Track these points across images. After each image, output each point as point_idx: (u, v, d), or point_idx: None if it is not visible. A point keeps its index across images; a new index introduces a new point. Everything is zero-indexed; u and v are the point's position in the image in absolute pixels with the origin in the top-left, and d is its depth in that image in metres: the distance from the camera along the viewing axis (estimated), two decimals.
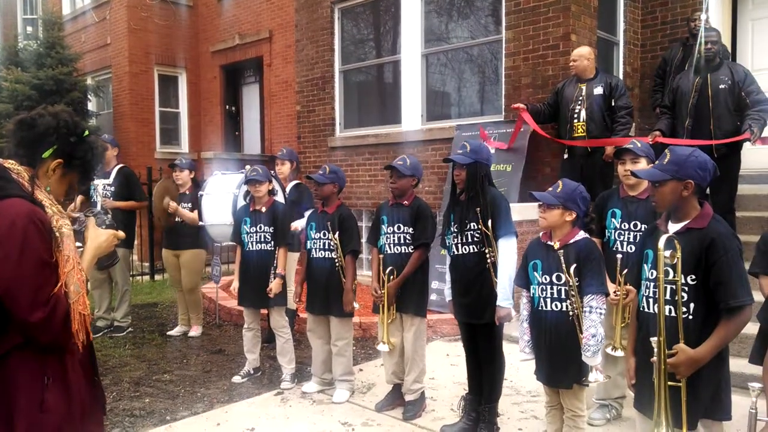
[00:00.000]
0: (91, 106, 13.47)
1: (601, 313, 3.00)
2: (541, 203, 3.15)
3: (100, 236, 2.10)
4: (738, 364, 4.06)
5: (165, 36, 12.93)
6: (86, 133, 2.07)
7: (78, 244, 2.01)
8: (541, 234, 3.31)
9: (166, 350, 5.94)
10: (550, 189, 3.15)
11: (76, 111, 11.90)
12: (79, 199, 6.60)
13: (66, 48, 12.62)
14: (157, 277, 9.72)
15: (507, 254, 3.62)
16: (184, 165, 6.33)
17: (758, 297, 3.74)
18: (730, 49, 7.08)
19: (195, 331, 6.46)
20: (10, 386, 1.78)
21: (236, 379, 5.01)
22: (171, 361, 5.59)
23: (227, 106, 13.36)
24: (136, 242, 8.07)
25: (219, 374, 5.19)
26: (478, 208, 3.67)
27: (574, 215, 3.13)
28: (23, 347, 1.79)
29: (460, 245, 3.78)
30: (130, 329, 6.61)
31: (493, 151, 6.45)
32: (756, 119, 5.36)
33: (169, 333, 6.49)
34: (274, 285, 4.84)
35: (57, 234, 1.87)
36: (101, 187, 6.42)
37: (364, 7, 9.16)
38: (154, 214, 6.14)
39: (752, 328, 4.48)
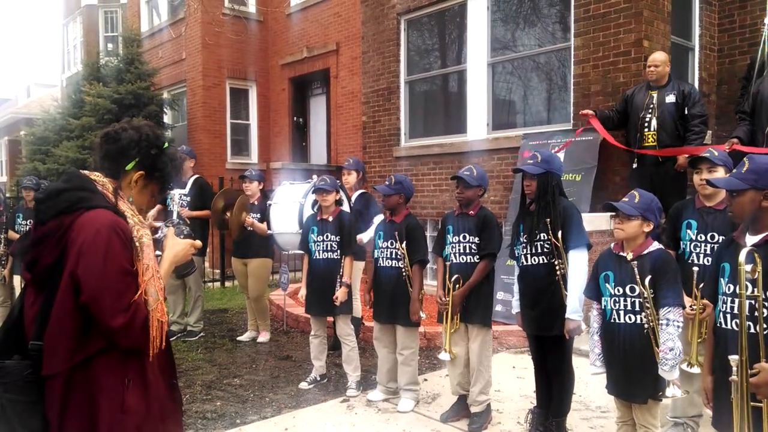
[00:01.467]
0: (167, 118, 14.05)
1: (678, 326, 2.91)
2: (616, 214, 3.08)
3: (177, 246, 2.18)
4: None
5: (236, 50, 13.36)
6: (166, 145, 2.16)
7: (157, 252, 2.10)
8: (612, 245, 3.23)
9: (236, 355, 6.11)
10: (626, 199, 3.08)
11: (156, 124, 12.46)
12: (156, 208, 6.91)
13: (144, 64, 13.24)
14: (228, 284, 10.00)
15: (578, 266, 3.56)
16: (254, 176, 6.53)
17: None
18: None
19: (263, 337, 6.61)
20: (94, 387, 1.87)
21: (303, 385, 5.10)
22: (241, 365, 5.74)
23: (295, 118, 13.67)
24: (207, 250, 8.35)
25: (287, 380, 5.30)
26: (548, 219, 3.62)
27: (651, 226, 3.05)
28: (106, 351, 1.89)
29: (529, 256, 3.73)
30: (202, 334, 6.83)
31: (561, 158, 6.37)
32: None
33: (238, 338, 6.67)
34: (339, 293, 4.91)
35: (137, 244, 1.96)
36: (177, 196, 6.68)
37: (430, 18, 9.20)
38: (229, 227, 6.33)
39: None
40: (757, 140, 5.51)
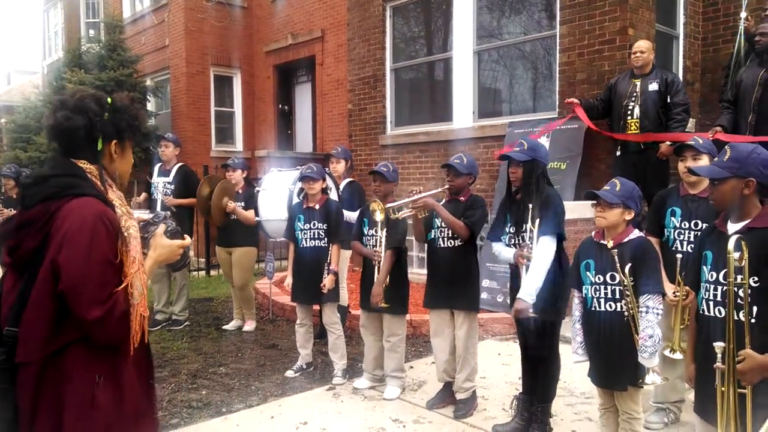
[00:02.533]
0: (150, 106, 13.91)
1: (658, 314, 2.93)
2: (598, 202, 3.09)
3: (164, 247, 2.09)
4: None
5: (220, 37, 13.22)
6: (110, 101, 2.03)
7: (145, 251, 2.04)
8: (593, 233, 3.25)
9: (221, 344, 6.09)
10: (608, 188, 3.09)
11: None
12: (142, 196, 6.85)
13: (126, 50, 13.07)
14: (213, 272, 9.96)
15: (542, 252, 3.55)
16: (237, 165, 6.47)
17: None
18: None
19: (249, 326, 6.59)
20: (64, 379, 1.82)
21: (289, 373, 5.10)
22: (226, 354, 5.73)
23: (280, 105, 13.58)
24: (192, 238, 8.30)
25: (272, 368, 5.29)
26: (530, 206, 3.63)
27: (632, 214, 3.07)
28: (79, 343, 1.83)
29: (519, 241, 3.74)
30: (187, 323, 6.80)
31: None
32: None
33: (224, 327, 6.65)
34: (327, 281, 4.90)
35: (125, 234, 1.91)
36: (162, 185, 6.62)
37: (416, 5, 9.16)
38: (211, 212, 6.28)
39: None
40: (740, 128, 5.55)
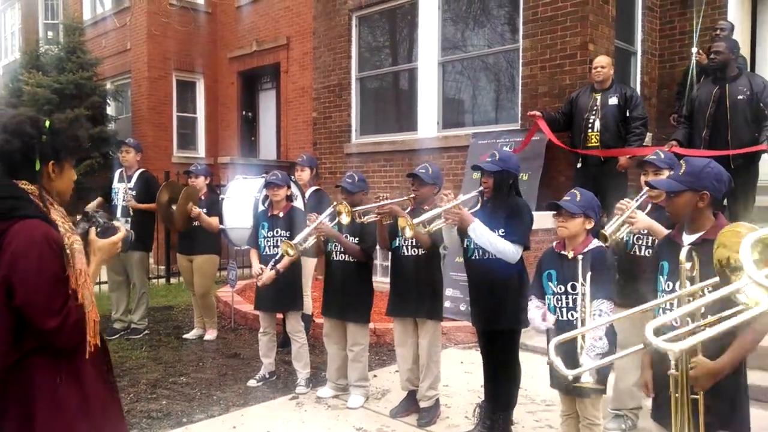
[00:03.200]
0: (110, 110, 13.65)
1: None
2: (558, 212, 3.16)
3: (101, 248, 2.19)
4: (755, 377, 4.04)
5: (183, 42, 13.08)
6: (48, 124, 2.12)
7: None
8: (554, 244, 3.31)
9: (182, 353, 6.00)
10: (568, 198, 3.15)
11: (95, 116, 12.10)
12: (96, 201, 6.70)
13: (86, 53, 12.82)
14: (173, 280, 9.80)
15: (506, 246, 3.61)
16: (200, 171, 6.39)
17: None
18: (749, 61, 7.07)
19: (210, 335, 6.50)
20: (29, 386, 1.95)
21: (252, 383, 5.05)
22: (187, 363, 5.64)
23: (244, 112, 13.48)
24: (152, 246, 8.15)
25: (235, 378, 5.23)
26: (501, 216, 3.68)
27: (593, 223, 3.14)
28: (39, 351, 1.96)
29: (481, 250, 3.78)
30: (146, 331, 6.67)
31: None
32: None
33: (185, 336, 6.54)
34: (264, 276, 4.84)
35: (68, 251, 2.02)
36: (123, 190, 6.50)
37: (382, 15, 9.23)
38: (172, 218, 6.19)
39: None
40: (695, 143, 5.74)
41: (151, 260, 9.40)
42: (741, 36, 6.99)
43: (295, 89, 11.90)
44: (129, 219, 6.48)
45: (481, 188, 3.78)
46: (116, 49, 13.66)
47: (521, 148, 6.71)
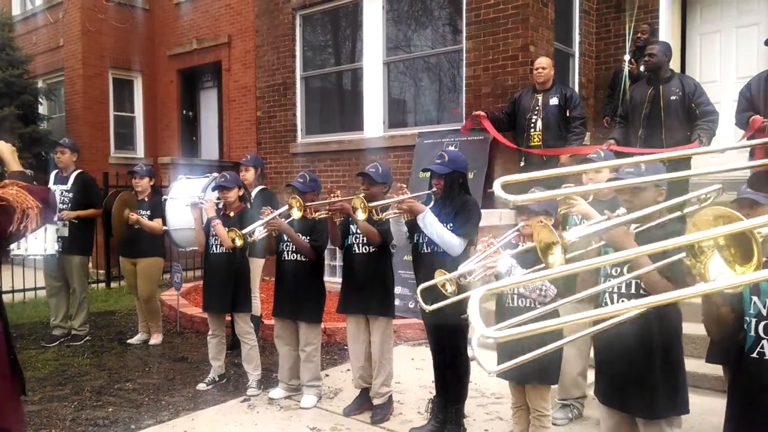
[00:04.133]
0: (43, 109, 13.11)
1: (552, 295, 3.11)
2: (521, 212, 3.23)
3: None
4: (689, 364, 4.24)
5: (120, 39, 12.68)
6: None
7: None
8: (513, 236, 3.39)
9: (126, 359, 5.85)
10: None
11: (26, 115, 11.61)
12: None
13: (16, 50, 12.26)
14: (114, 284, 9.52)
15: (452, 238, 3.66)
16: (144, 172, 6.24)
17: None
18: (679, 62, 7.42)
19: (155, 339, 6.36)
20: None
21: (201, 386, 4.97)
22: (132, 369, 5.50)
23: (184, 111, 13.18)
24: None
25: (183, 382, 5.14)
26: (451, 213, 3.76)
27: (552, 220, 3.25)
28: None
29: (426, 245, 3.84)
30: (88, 338, 6.47)
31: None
32: (705, 129, 5.62)
33: (128, 341, 6.38)
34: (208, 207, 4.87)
35: None
36: (59, 193, 6.28)
37: (325, 15, 9.21)
38: (112, 225, 6.03)
39: (703, 329, 4.70)
40: (632, 142, 5.99)
41: (91, 264, 9.12)
42: (672, 39, 7.32)
43: (238, 88, 11.71)
44: (66, 222, 6.27)
45: (434, 189, 3.85)
46: (48, 46, 13.13)
47: (468, 126, 6.85)
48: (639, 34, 7.13)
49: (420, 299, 2.94)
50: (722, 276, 1.28)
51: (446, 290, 3.11)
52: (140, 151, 13.33)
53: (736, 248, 1.40)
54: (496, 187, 1.48)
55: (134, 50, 12.90)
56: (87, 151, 12.04)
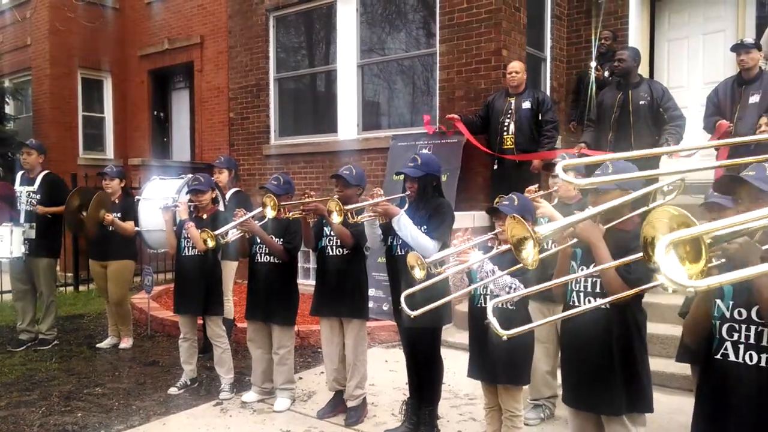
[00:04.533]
0: (9, 109, 12.83)
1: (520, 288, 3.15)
2: (497, 216, 3.25)
3: None
4: (656, 363, 4.32)
5: (89, 38, 12.47)
6: None
7: None
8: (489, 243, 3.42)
9: (96, 363, 5.75)
10: (506, 203, 3.25)
11: None
12: None
13: None
14: (82, 287, 9.36)
15: (426, 240, 3.67)
16: (114, 173, 6.15)
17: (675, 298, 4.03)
18: (648, 68, 7.56)
19: (126, 343, 6.27)
20: None
21: (173, 390, 4.91)
22: (102, 374, 5.42)
23: (155, 112, 13.03)
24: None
25: (154, 386, 5.07)
26: (424, 216, 3.77)
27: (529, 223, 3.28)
28: None
29: (400, 247, 3.85)
30: (56, 342, 6.35)
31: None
32: (673, 134, 5.73)
33: (98, 345, 6.27)
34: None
35: None
36: (26, 194, 6.16)
37: (299, 16, 9.19)
38: (83, 225, 5.93)
39: (672, 330, 4.81)
40: (602, 145, 6.08)
41: (59, 267, 8.96)
42: (641, 45, 7.47)
43: (210, 89, 11.61)
44: (33, 224, 6.16)
45: (407, 192, 3.86)
46: (15, 45, 12.87)
47: (430, 130, 6.89)
48: (602, 41, 7.28)
49: (404, 306, 2.94)
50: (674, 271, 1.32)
51: (415, 276, 3.11)
52: (110, 152, 13.15)
53: (690, 247, 1.46)
54: (559, 169, 1.58)
55: (104, 50, 12.72)
56: (55, 152, 11.82)
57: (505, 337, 2.38)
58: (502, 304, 3.20)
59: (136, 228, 6.00)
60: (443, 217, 3.82)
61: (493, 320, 2.28)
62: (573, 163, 2.19)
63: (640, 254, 1.65)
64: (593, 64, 6.99)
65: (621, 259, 2.25)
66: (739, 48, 5.46)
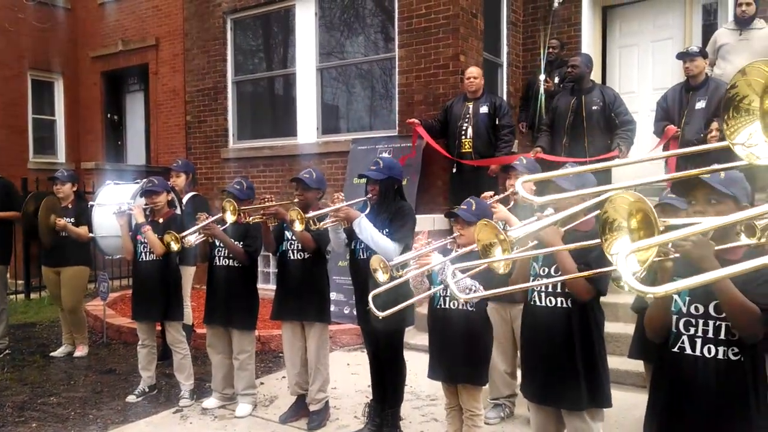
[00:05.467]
0: None
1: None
2: (456, 220, 3.30)
3: None
4: (611, 361, 4.44)
5: (39, 39, 12.14)
6: None
7: None
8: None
9: (50, 372, 5.61)
10: (464, 207, 3.28)
11: None
12: None
13: None
14: (33, 295, 9.10)
15: (387, 243, 3.71)
16: (66, 177, 6.00)
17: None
18: (600, 74, 7.78)
19: (81, 351, 6.13)
20: None
21: (131, 398, 4.83)
22: (57, 383, 5.29)
23: (108, 115, 12.76)
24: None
25: (111, 394, 4.98)
26: (386, 219, 3.81)
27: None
28: None
29: (367, 252, 3.87)
30: (7, 351, 6.16)
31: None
32: (624, 138, 5.92)
33: (52, 354, 6.12)
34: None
35: None
36: None
37: (257, 19, 9.14)
38: (39, 233, 5.78)
39: (625, 328, 4.95)
40: (557, 149, 6.23)
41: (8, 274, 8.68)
42: (593, 52, 7.67)
43: (166, 92, 11.43)
44: None
45: (369, 195, 3.89)
46: None
47: (412, 154, 6.92)
48: (550, 49, 7.46)
49: (372, 306, 2.98)
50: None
51: (378, 279, 3.13)
52: (62, 155, 12.81)
53: (644, 233, 1.54)
54: (518, 186, 1.63)
55: (55, 51, 12.40)
56: (3, 156, 11.48)
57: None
58: (463, 304, 3.26)
59: (90, 234, 5.87)
60: (404, 220, 3.87)
61: (452, 285, 2.42)
62: (531, 179, 2.26)
63: (598, 240, 1.71)
64: (542, 77, 7.13)
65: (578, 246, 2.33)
66: (684, 56, 5.67)
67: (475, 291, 3.13)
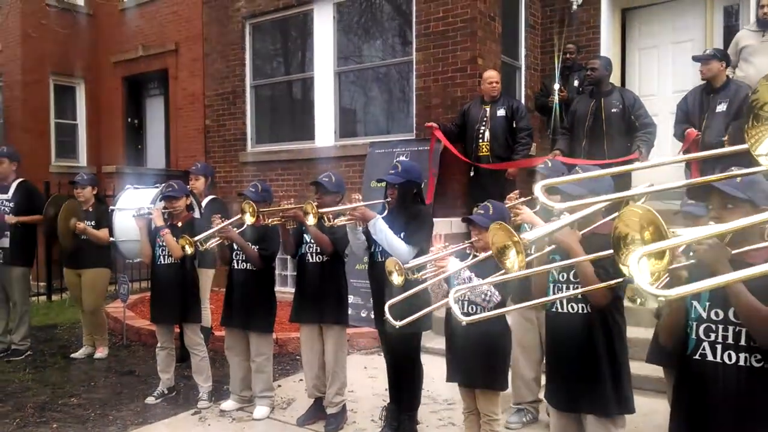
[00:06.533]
0: None
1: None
2: (473, 225, 3.29)
3: None
4: (631, 366, 4.39)
5: (62, 45, 12.32)
6: None
7: None
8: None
9: (71, 373, 5.68)
10: (481, 212, 3.27)
11: None
12: None
13: None
14: (55, 297, 9.21)
15: (401, 245, 3.70)
16: (86, 181, 6.07)
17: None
18: (620, 76, 7.71)
19: (101, 353, 6.19)
20: None
21: (150, 400, 4.87)
22: (77, 384, 5.35)
23: (129, 119, 12.90)
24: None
25: (131, 396, 5.02)
26: (403, 222, 3.81)
27: None
28: None
29: (386, 255, 3.86)
30: (29, 352, 6.25)
31: None
32: (644, 141, 5.87)
33: (72, 355, 6.19)
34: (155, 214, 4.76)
35: None
36: None
37: (275, 24, 9.20)
38: (59, 236, 5.86)
39: (645, 333, 4.89)
40: (576, 152, 6.19)
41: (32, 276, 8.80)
42: (612, 54, 7.61)
43: (186, 96, 11.53)
44: (7, 233, 6.06)
45: (388, 199, 3.90)
46: None
47: (430, 162, 6.90)
48: (567, 54, 7.42)
49: (389, 316, 2.96)
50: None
51: (394, 281, 3.13)
52: (83, 159, 12.97)
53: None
54: (537, 191, 1.60)
55: (77, 56, 12.57)
56: (27, 160, 11.52)
57: (464, 323, 2.52)
58: (479, 310, 3.24)
59: (111, 238, 5.94)
60: (421, 224, 3.87)
61: (454, 307, 2.42)
62: (552, 182, 2.22)
63: (610, 251, 1.69)
64: (557, 86, 7.07)
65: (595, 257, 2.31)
66: (698, 59, 5.63)
67: (488, 298, 3.13)
